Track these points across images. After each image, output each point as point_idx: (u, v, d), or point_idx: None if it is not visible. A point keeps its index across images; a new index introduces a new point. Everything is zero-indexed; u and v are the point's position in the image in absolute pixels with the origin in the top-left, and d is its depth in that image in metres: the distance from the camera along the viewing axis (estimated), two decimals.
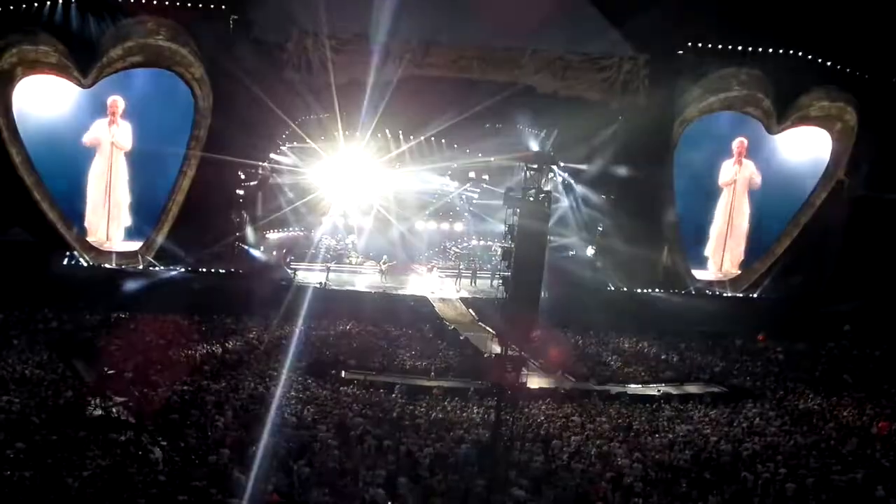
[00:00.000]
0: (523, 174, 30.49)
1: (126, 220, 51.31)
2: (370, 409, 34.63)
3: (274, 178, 54.02)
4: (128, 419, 31.02)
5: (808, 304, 53.85)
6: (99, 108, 49.95)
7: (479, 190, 58.75)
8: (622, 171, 53.88)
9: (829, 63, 54.72)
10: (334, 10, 51.96)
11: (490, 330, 46.08)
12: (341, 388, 37.29)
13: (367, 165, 55.91)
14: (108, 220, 51.00)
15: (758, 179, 57.10)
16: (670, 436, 34.19)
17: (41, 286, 45.42)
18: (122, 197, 51.07)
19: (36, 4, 47.21)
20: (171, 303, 46.80)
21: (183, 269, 50.17)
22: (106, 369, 36.26)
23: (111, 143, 50.43)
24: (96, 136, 50.26)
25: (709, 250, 57.83)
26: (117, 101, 49.99)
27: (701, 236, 57.54)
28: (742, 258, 58.07)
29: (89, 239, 50.29)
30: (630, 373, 43.80)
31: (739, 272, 57.83)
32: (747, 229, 57.84)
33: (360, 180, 56.80)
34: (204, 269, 50.67)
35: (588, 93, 53.62)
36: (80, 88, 48.83)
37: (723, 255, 57.95)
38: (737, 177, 57.10)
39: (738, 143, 56.57)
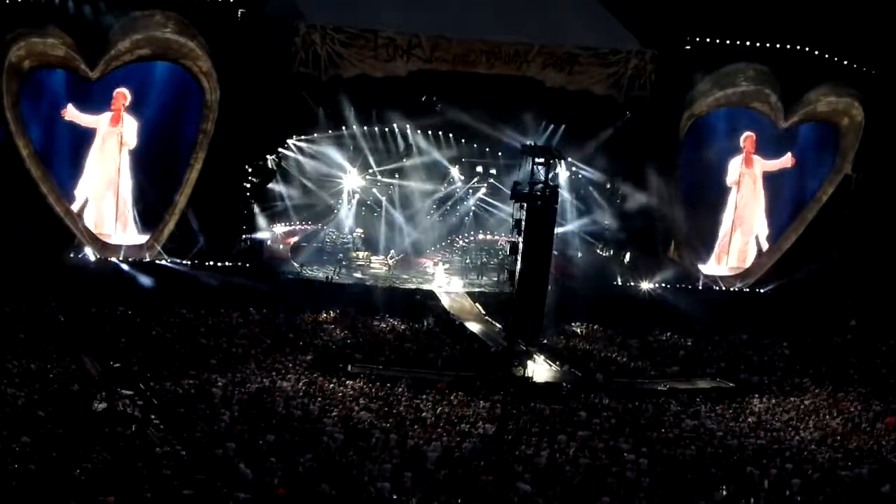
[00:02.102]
0: (531, 168, 30.54)
1: (132, 214, 51.17)
2: (376, 402, 34.68)
3: (282, 170, 53.94)
4: (133, 413, 31.14)
5: (814, 299, 53.75)
6: (107, 101, 49.87)
7: (486, 184, 58.69)
8: (629, 166, 53.89)
9: (836, 58, 54.64)
10: (343, 4, 52.13)
11: (497, 324, 46.15)
12: (347, 382, 37.30)
13: (374, 159, 55.84)
14: (116, 214, 50.93)
15: (777, 165, 57.03)
16: (676, 430, 34.22)
17: (48, 280, 45.44)
18: (127, 191, 50.96)
19: None
20: (177, 297, 46.89)
21: (189, 263, 50.15)
22: (112, 363, 36.36)
23: (117, 139, 50.29)
24: (93, 124, 50.08)
25: (715, 245, 57.60)
26: (121, 95, 49.88)
27: (708, 231, 57.34)
28: (748, 254, 57.86)
29: (96, 232, 50.21)
30: (636, 367, 43.79)
31: (746, 267, 57.65)
32: (760, 224, 57.66)
33: (367, 174, 56.75)
34: (210, 263, 50.66)
35: (595, 87, 53.52)
36: (88, 81, 48.78)
37: (728, 250, 57.74)
38: (745, 172, 56.85)
39: (747, 138, 56.40)
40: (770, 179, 57.06)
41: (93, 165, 50.47)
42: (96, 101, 49.52)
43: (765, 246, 57.76)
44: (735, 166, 56.87)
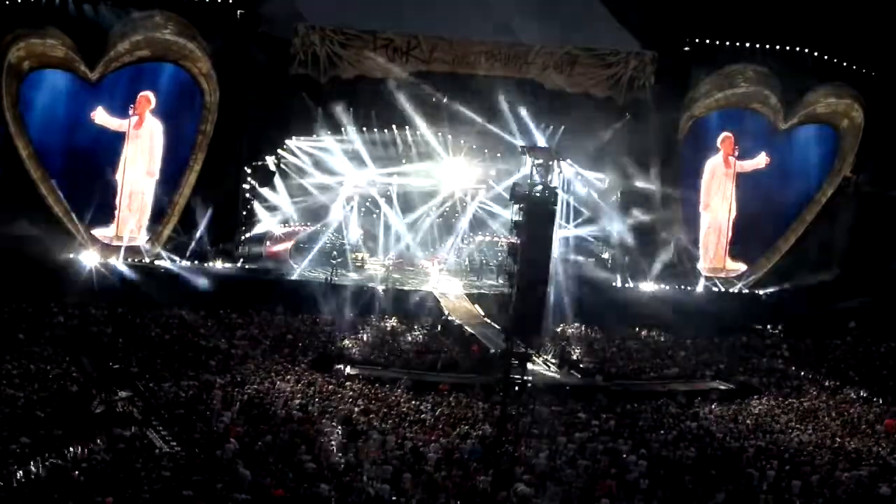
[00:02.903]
0: (530, 170, 30.47)
1: (146, 218, 51.44)
2: (375, 403, 34.66)
3: (282, 171, 53.92)
4: (133, 414, 31.13)
5: (814, 301, 53.73)
6: (107, 102, 49.92)
7: (485, 185, 58.60)
8: (628, 167, 53.83)
9: (835, 60, 54.65)
10: (342, 5, 52.13)
11: (496, 325, 46.10)
12: (346, 383, 37.29)
13: (373, 161, 55.75)
14: (122, 217, 51.06)
15: (751, 165, 57.02)
16: (675, 432, 34.19)
17: (47, 280, 45.39)
18: (149, 194, 51.25)
19: None
20: (176, 298, 46.82)
21: (188, 264, 50.14)
22: (111, 364, 36.34)
23: (141, 142, 50.60)
24: (121, 128, 50.30)
25: (700, 246, 57.56)
26: (144, 99, 50.15)
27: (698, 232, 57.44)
28: (725, 253, 57.82)
29: (96, 233, 50.14)
30: (635, 369, 43.78)
31: (724, 267, 57.59)
32: (731, 224, 57.68)
33: (366, 176, 56.66)
34: (210, 264, 50.66)
35: (595, 89, 53.58)
36: (90, 82, 48.86)
37: (708, 250, 57.75)
38: (723, 173, 56.88)
39: (724, 139, 56.39)
40: (769, 179, 57.07)
41: (123, 170, 50.82)
42: (98, 102, 49.65)
43: (724, 247, 58.00)
44: (711, 167, 56.95)
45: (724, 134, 56.38)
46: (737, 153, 56.42)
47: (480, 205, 58.68)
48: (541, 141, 50.62)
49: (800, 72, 54.39)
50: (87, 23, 47.74)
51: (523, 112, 52.12)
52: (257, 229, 53.53)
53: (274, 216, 54.41)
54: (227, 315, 45.84)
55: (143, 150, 50.85)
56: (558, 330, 48.61)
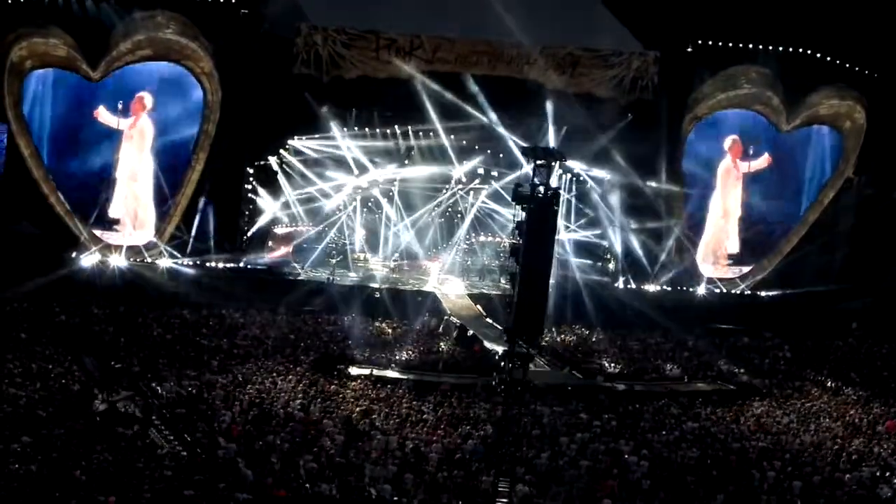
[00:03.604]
0: (532, 170, 30.46)
1: (151, 215, 51.61)
2: (377, 404, 34.64)
3: (284, 171, 53.93)
4: (134, 413, 31.13)
5: (816, 302, 53.71)
6: (109, 101, 50.06)
7: (488, 186, 58.54)
8: (631, 168, 53.81)
9: (838, 61, 54.64)
10: (344, 4, 52.20)
11: (497, 326, 46.08)
12: (348, 383, 37.27)
13: (375, 160, 55.72)
14: (122, 216, 51.22)
15: (756, 166, 57.19)
16: (677, 433, 34.17)
17: (49, 280, 45.39)
18: (147, 193, 51.39)
19: None
20: (178, 297, 46.83)
21: (190, 263, 50.17)
22: (113, 363, 36.33)
23: (135, 142, 50.84)
24: (120, 127, 50.71)
25: (701, 247, 57.67)
26: (140, 99, 50.46)
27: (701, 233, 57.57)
28: (725, 256, 58.01)
29: (98, 233, 50.21)
30: (637, 370, 43.73)
31: (733, 266, 57.74)
32: (736, 228, 57.97)
33: (367, 175, 56.62)
34: (212, 263, 50.69)
35: (597, 89, 53.59)
36: (92, 81, 48.95)
37: (712, 252, 57.88)
38: (732, 175, 57.03)
39: (732, 142, 56.65)
40: (771, 181, 57.12)
41: (120, 169, 51.21)
42: (100, 101, 49.84)
43: (732, 249, 58.15)
44: (721, 172, 57.15)
45: (731, 138, 56.60)
46: (744, 156, 56.61)
47: (483, 204, 58.64)
48: (543, 141, 50.51)
49: (802, 73, 54.38)
50: (90, 22, 47.84)
51: (526, 112, 52.14)
52: (259, 227, 53.56)
53: (276, 216, 54.43)
54: (230, 315, 45.83)
55: (136, 150, 51.08)
56: (560, 331, 48.61)
